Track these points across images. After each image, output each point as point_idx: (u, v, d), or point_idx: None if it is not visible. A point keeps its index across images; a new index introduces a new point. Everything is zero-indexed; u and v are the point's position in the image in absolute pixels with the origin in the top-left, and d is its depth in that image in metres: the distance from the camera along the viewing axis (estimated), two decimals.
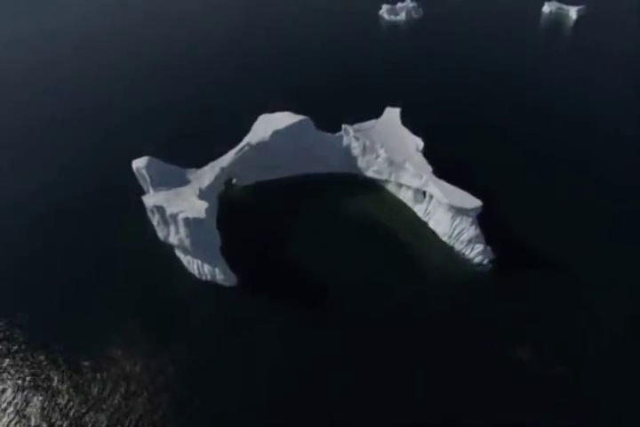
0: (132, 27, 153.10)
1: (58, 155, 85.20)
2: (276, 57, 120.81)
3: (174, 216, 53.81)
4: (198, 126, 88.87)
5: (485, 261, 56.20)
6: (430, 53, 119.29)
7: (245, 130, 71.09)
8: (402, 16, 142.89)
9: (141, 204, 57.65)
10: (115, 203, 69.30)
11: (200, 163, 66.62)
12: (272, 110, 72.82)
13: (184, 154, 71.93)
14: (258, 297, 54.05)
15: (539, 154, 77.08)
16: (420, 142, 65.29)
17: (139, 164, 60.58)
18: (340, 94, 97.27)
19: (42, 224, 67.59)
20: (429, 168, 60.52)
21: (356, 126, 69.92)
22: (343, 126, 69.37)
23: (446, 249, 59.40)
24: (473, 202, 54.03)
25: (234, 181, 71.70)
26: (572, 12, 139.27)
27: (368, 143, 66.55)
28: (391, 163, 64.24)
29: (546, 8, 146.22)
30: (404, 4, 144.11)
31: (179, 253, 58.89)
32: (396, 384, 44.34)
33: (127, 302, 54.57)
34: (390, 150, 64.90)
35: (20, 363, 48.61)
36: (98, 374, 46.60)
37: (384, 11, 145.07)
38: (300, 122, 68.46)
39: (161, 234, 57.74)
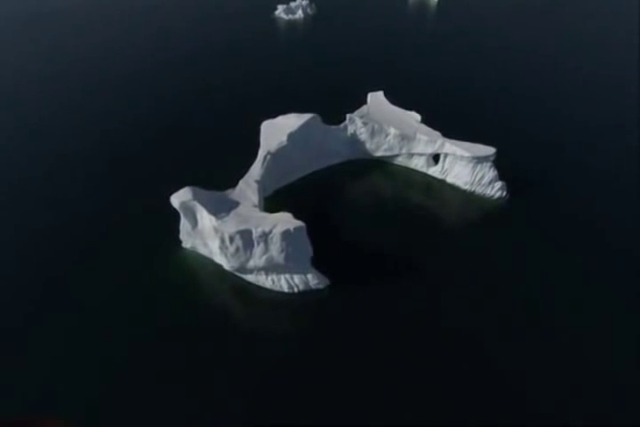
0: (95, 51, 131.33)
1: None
2: (191, 68, 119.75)
3: (266, 234, 52.66)
4: (192, 150, 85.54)
5: (504, 194, 71.70)
6: (333, 44, 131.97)
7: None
8: (299, 14, 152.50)
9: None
10: (142, 248, 62.87)
11: (218, 183, 64.88)
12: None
13: (199, 177, 70.70)
14: (352, 287, 56.64)
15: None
16: (417, 115, 76.73)
17: (183, 197, 56.69)
18: (293, 95, 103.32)
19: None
20: (438, 133, 72.82)
21: (355, 113, 78.23)
22: (348, 116, 75.99)
23: (469, 194, 73.05)
24: (489, 150, 67.86)
25: None
26: None
27: (377, 126, 75.72)
28: (403, 137, 74.45)
29: None
30: (297, 2, 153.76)
31: (256, 278, 57.01)
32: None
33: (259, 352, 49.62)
34: (398, 127, 75.31)
35: None
36: None
37: (280, 11, 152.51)
38: (311, 119, 72.78)
39: (235, 263, 55.10)
